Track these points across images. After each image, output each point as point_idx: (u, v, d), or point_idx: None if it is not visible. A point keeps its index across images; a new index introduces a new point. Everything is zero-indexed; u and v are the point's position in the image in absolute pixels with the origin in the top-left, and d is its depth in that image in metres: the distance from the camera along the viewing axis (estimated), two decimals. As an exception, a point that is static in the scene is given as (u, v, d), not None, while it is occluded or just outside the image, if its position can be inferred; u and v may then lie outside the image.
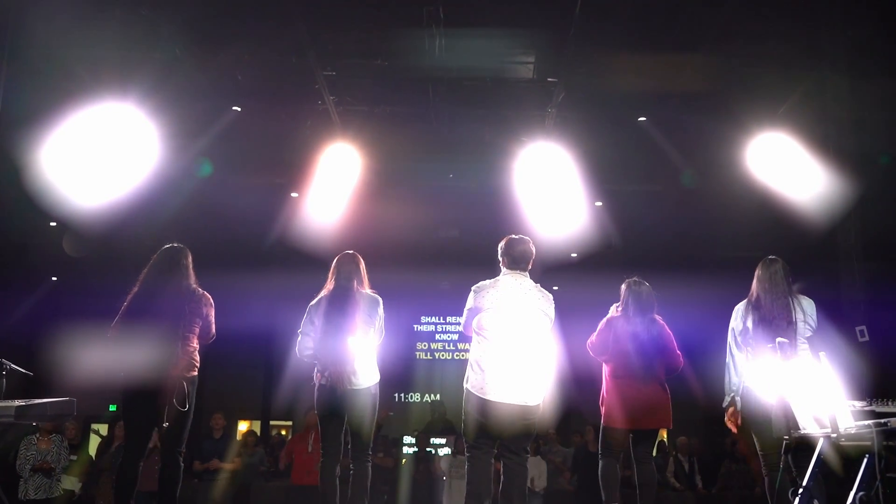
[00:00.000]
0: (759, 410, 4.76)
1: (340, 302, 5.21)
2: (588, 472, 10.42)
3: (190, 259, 5.26)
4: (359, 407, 5.13)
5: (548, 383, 4.90)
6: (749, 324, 4.92)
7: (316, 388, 5.19)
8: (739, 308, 5.06)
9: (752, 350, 4.88)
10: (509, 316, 4.85)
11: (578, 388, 5.89)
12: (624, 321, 5.59)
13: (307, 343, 5.23)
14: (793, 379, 3.96)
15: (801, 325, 4.86)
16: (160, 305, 5.00)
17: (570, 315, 5.85)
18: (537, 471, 10.50)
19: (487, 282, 5.01)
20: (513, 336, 4.81)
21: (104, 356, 5.00)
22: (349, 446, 5.21)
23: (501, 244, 5.13)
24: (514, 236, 5.12)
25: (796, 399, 3.93)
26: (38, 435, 8.56)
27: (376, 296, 5.37)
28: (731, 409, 5.02)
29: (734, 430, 5.12)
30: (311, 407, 9.88)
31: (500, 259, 5.11)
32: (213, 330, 5.25)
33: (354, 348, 5.13)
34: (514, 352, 4.78)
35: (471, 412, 4.82)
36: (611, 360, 5.58)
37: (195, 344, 5.14)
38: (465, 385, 4.89)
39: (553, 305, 5.00)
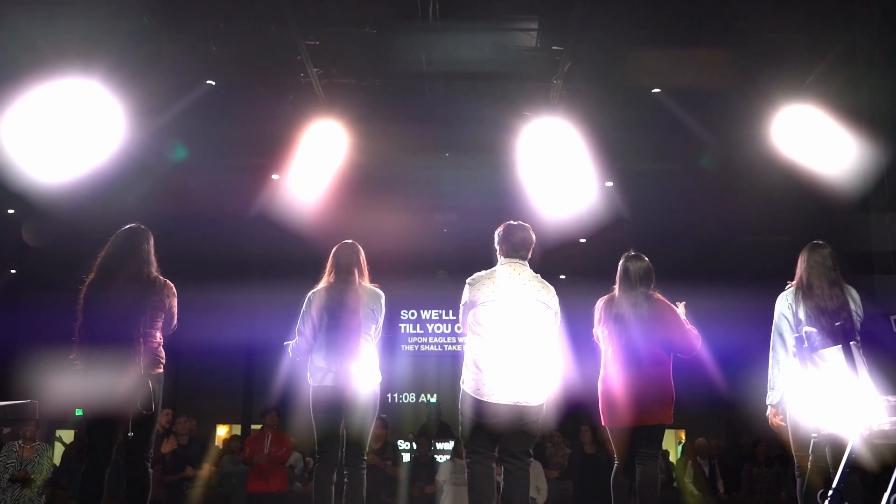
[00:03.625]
0: (807, 406, 4.77)
1: (341, 296, 5.26)
2: (586, 475, 10.50)
3: (151, 242, 5.18)
4: (360, 409, 5.17)
5: (552, 381, 4.89)
6: (801, 314, 4.92)
7: (312, 388, 5.21)
8: (787, 296, 5.05)
9: (804, 342, 4.86)
10: (507, 309, 4.83)
11: (585, 385, 5.88)
12: (610, 302, 5.52)
13: (307, 340, 5.28)
14: (826, 372, 3.99)
15: (854, 315, 4.90)
16: (120, 299, 4.93)
17: (578, 305, 5.86)
18: (533, 472, 10.50)
19: (483, 273, 5.01)
20: (512, 331, 4.80)
21: (67, 358, 4.98)
22: (343, 451, 5.24)
23: (499, 231, 5.12)
24: (512, 222, 5.12)
25: (827, 394, 3.97)
26: (20, 442, 8.57)
27: (378, 290, 5.43)
28: (774, 408, 5.06)
29: (779, 426, 5.13)
30: (270, 408, 10.06)
31: (497, 247, 5.10)
32: (176, 320, 5.19)
33: (357, 346, 5.17)
34: (513, 348, 4.77)
35: (467, 415, 4.83)
36: (602, 348, 5.52)
37: (159, 338, 5.09)
38: (461, 385, 4.89)
39: (556, 297, 5.00)
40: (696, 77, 8.98)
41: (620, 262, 5.59)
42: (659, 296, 5.50)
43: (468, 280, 5.01)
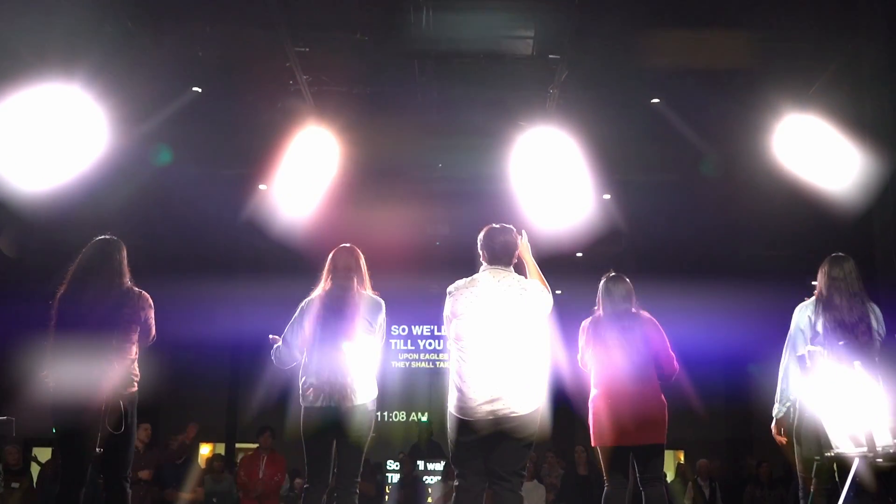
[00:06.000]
0: (811, 426, 4.79)
1: (338, 304, 5.11)
2: (578, 498, 10.46)
3: (124, 253, 5.14)
4: (355, 427, 5.01)
5: (538, 390, 4.69)
6: (819, 327, 4.94)
7: (303, 409, 5.06)
8: (806, 307, 5.07)
9: (820, 356, 4.87)
10: (489, 319, 4.69)
11: (581, 403, 5.88)
12: (596, 322, 5.63)
13: (292, 353, 5.15)
14: (837, 389, 3.99)
15: (874, 332, 4.92)
16: (90, 312, 4.88)
17: (574, 321, 5.85)
18: (536, 496, 10.51)
19: (463, 281, 4.89)
20: (493, 343, 4.65)
21: (39, 374, 4.94)
22: (334, 471, 5.14)
23: (480, 235, 5.00)
24: (494, 226, 5.00)
25: (831, 413, 3.96)
26: None
27: (378, 298, 5.28)
28: (778, 422, 5.13)
29: (782, 443, 5.17)
30: (264, 428, 10.01)
31: (480, 253, 4.98)
32: (154, 332, 5.14)
33: (354, 359, 5.04)
34: (495, 360, 4.62)
35: (453, 436, 4.68)
36: (590, 369, 5.59)
37: (134, 354, 5.03)
38: (447, 406, 4.74)
39: (542, 296, 4.86)
40: (696, 86, 8.99)
41: (601, 282, 5.75)
42: (645, 313, 5.60)
43: (448, 289, 4.90)
